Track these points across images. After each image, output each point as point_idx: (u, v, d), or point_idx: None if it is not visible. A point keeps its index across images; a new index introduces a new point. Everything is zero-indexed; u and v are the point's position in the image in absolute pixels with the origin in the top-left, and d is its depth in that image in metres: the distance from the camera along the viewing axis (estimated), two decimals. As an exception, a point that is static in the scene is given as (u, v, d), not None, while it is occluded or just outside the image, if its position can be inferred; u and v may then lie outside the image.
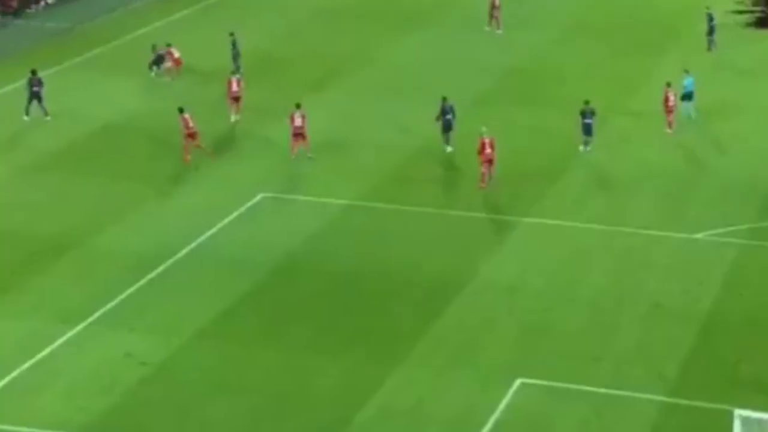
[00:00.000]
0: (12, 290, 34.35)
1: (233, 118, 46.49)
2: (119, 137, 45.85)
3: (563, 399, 29.04)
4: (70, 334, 31.95)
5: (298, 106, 42.92)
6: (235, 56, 51.81)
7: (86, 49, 55.77)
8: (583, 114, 43.06)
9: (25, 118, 46.85)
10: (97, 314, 32.85)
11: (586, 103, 43.13)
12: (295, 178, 41.64)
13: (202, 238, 37.25)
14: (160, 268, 35.34)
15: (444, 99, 43.26)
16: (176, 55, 52.13)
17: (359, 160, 42.93)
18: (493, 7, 58.27)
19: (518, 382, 29.55)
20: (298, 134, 42.57)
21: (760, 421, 23.79)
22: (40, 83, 46.98)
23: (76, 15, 60.73)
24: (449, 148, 42.98)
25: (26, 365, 30.51)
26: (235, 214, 38.98)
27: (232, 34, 52.18)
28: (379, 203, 39.74)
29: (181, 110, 42.90)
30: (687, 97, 45.68)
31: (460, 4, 62.50)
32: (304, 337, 31.84)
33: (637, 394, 29.12)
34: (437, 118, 43.17)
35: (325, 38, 57.56)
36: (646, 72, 51.68)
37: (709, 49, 54.50)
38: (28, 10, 61.68)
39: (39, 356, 30.93)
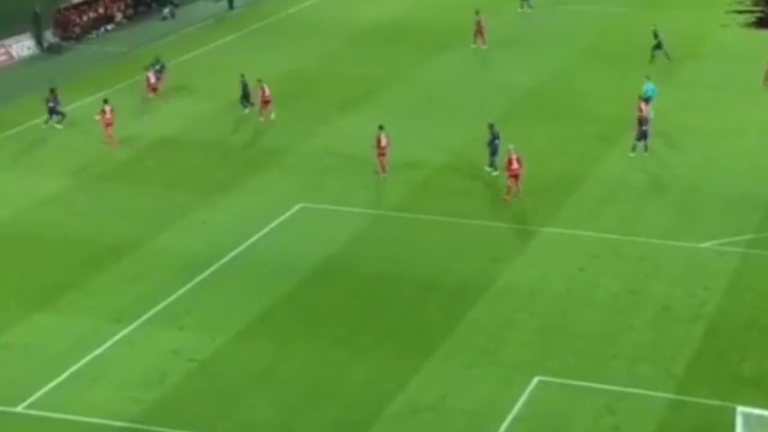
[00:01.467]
0: (72, 291, 34.50)
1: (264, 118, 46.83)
2: (172, 150, 45.98)
3: (578, 395, 28.83)
4: (124, 332, 32.03)
5: (381, 127, 42.23)
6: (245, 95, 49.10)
7: (141, 70, 56.02)
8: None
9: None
10: (148, 314, 32.93)
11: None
12: (331, 189, 41.60)
13: (246, 244, 37.26)
14: (207, 272, 35.39)
15: (491, 126, 42.53)
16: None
17: (391, 174, 42.82)
18: (478, 24, 58.13)
19: (536, 379, 29.35)
20: (383, 154, 41.95)
21: (760, 417, 23.53)
22: (56, 100, 47.43)
23: (132, 40, 61.05)
24: (495, 172, 41.98)
25: (84, 360, 30.64)
26: (276, 222, 38.97)
27: (242, 76, 49.44)
28: (409, 213, 39.63)
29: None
30: (648, 101, 45.39)
31: (509, 32, 62.21)
32: (337, 336, 31.78)
33: (647, 392, 28.88)
34: (488, 144, 42.29)
35: (358, 60, 57.49)
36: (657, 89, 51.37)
37: (651, 61, 53.56)
38: (89, 36, 62.06)
39: (95, 352, 31.05)
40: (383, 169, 41.84)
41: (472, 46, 58.37)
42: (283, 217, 39.35)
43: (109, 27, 63.44)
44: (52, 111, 47.60)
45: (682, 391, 28.84)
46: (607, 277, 34.85)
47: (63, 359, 30.59)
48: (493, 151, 42.20)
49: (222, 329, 32.01)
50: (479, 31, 58.48)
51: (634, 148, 43.53)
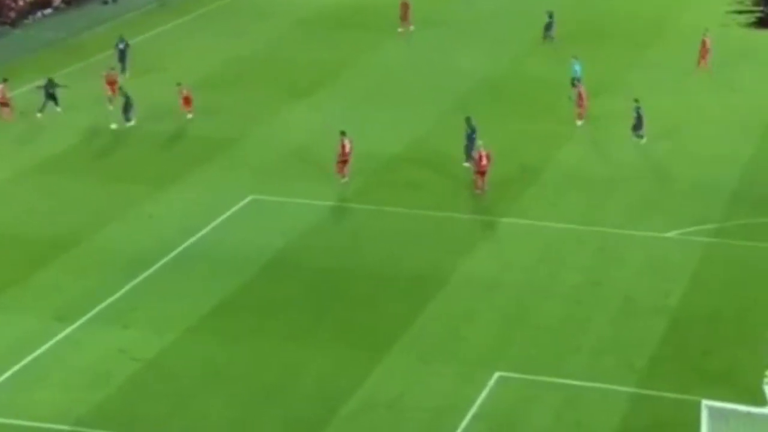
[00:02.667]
0: (12, 287, 34.34)
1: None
2: (114, 141, 45.80)
3: (539, 390, 29.13)
4: (67, 330, 31.94)
5: (343, 133, 41.45)
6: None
7: (81, 57, 55.67)
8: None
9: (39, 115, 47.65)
10: (93, 311, 32.85)
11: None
12: (282, 180, 41.67)
13: (194, 238, 37.27)
14: (154, 267, 35.36)
15: (468, 119, 42.28)
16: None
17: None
18: (404, 7, 58.36)
19: (497, 375, 29.61)
20: (345, 161, 41.04)
21: (726, 410, 23.95)
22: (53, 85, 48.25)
23: (71, 26, 60.62)
24: (468, 164, 41.86)
25: (25, 361, 30.49)
26: (226, 215, 39.01)
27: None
28: (364, 204, 39.82)
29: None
30: (576, 81, 46.75)
31: (437, 13, 62.48)
32: (290, 331, 31.90)
33: (609, 386, 29.24)
34: (467, 137, 41.99)
35: (307, 46, 57.55)
36: (619, 78, 51.93)
37: (543, 41, 55.84)
38: (25, 21, 61.54)
39: (37, 352, 30.92)
40: (344, 175, 41.19)
41: (399, 29, 58.29)
42: (233, 210, 39.38)
43: (47, 12, 62.92)
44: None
45: (644, 384, 29.24)
46: (567, 269, 35.23)
47: (3, 359, 30.46)
48: (470, 145, 41.84)
49: (170, 326, 32.03)
50: (404, 15, 58.38)
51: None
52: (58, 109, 48.14)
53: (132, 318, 32.58)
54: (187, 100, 47.24)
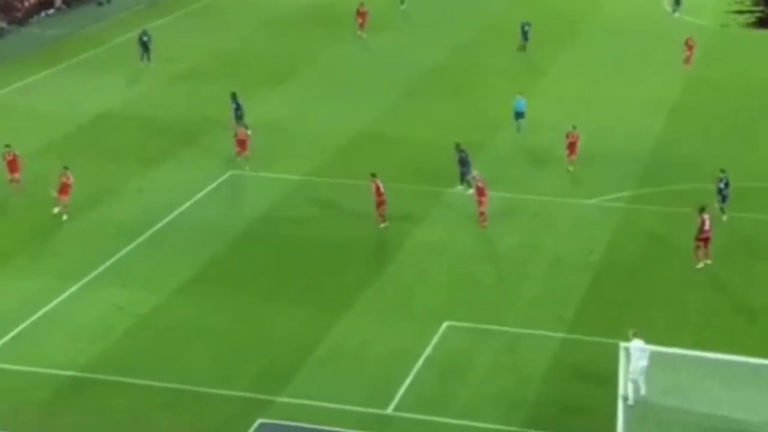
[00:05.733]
0: (21, 255, 34.03)
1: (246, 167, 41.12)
2: (111, 125, 45.37)
3: (482, 337, 29.36)
4: (71, 290, 31.75)
5: (374, 175, 35.89)
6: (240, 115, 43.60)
7: (82, 51, 55.09)
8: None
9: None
10: (93, 274, 32.64)
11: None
12: (258, 157, 41.44)
13: (180, 209, 37.05)
14: (145, 235, 35.15)
15: (457, 145, 38.42)
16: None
17: (311, 143, 42.85)
18: (359, 14, 57.10)
19: (445, 324, 29.78)
20: (382, 203, 35.33)
21: (639, 350, 24.23)
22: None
23: (71, 24, 59.87)
24: (469, 191, 37.26)
25: (34, 317, 30.35)
26: (208, 189, 38.79)
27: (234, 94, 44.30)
28: (328, 178, 39.71)
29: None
30: (519, 115, 42.93)
31: (389, 15, 62.23)
32: (264, 292, 31.82)
33: (541, 332, 29.50)
34: (459, 163, 38.06)
35: (277, 42, 57.10)
36: (551, 64, 52.04)
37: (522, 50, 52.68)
38: (31, 20, 60.70)
39: (45, 309, 30.78)
40: (383, 219, 35.65)
41: (358, 32, 57.28)
42: (214, 185, 39.16)
43: (50, 12, 62.10)
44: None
45: (572, 331, 29.51)
46: (506, 233, 35.36)
47: (15, 316, 30.24)
48: (465, 170, 38.02)
49: (160, 287, 31.89)
50: (362, 23, 56.85)
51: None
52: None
53: (128, 279, 32.39)
54: None
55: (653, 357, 24.53)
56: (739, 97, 47.76)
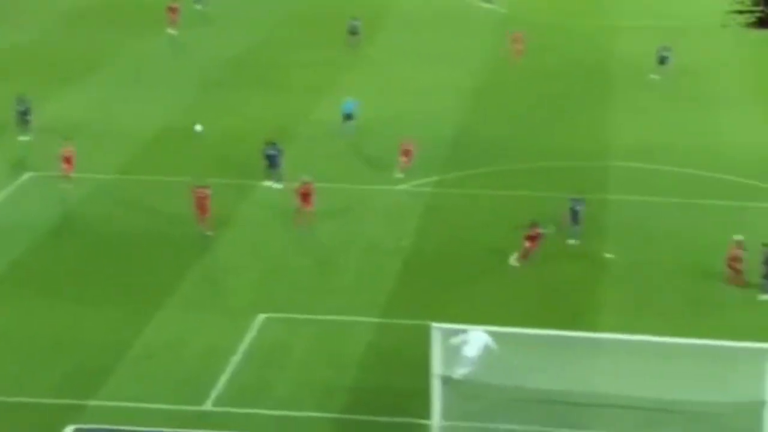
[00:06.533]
0: None
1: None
2: None
3: (299, 327, 29.58)
4: None
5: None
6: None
7: None
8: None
9: None
10: None
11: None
12: (56, 156, 40.34)
13: (-20, 213, 35.87)
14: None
15: (268, 141, 38.41)
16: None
17: (115, 140, 42.12)
18: (169, 9, 56.60)
19: (262, 317, 29.87)
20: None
21: (450, 330, 25.04)
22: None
23: None
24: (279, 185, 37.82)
25: None
26: (7, 191, 37.62)
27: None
28: (135, 175, 39.12)
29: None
30: (348, 117, 42.66)
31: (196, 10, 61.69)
32: (73, 293, 31.11)
33: (356, 318, 29.99)
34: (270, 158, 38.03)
35: (73, 38, 55.73)
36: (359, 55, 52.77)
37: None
38: None
39: None
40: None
41: (170, 31, 56.76)
42: (11, 187, 37.98)
43: None
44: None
45: (386, 315, 30.13)
46: (318, 223, 35.69)
47: None
48: (274, 165, 37.65)
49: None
50: (172, 14, 56.37)
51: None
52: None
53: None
54: None
55: (470, 337, 25.30)
56: (555, 83, 49.33)
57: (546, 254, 32.92)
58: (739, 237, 31.44)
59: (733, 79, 50.25)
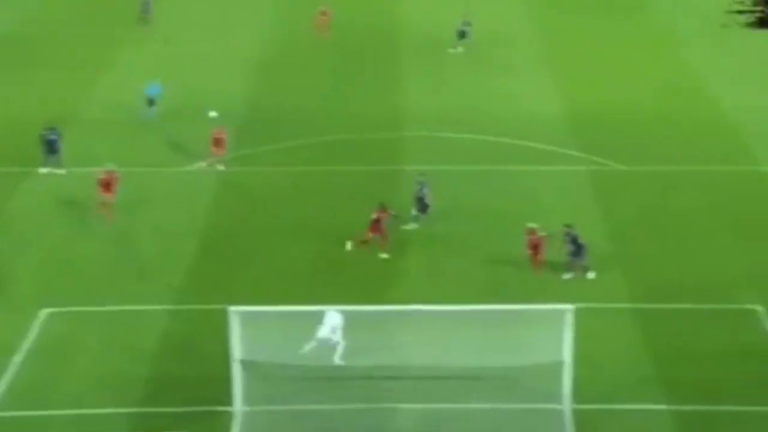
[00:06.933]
0: None
1: None
2: None
3: (88, 320, 28.00)
4: None
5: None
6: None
7: None
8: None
9: None
10: None
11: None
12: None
13: None
14: None
15: (46, 126, 36.49)
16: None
17: None
18: None
19: (46, 312, 28.10)
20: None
21: (249, 313, 24.16)
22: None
23: None
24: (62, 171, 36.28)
25: None
26: None
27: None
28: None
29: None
30: (150, 101, 40.73)
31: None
32: None
33: (149, 307, 28.61)
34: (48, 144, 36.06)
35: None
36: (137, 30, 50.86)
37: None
38: None
39: None
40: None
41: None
42: None
43: None
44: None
45: (181, 302, 28.86)
46: (103, 208, 33.82)
47: None
48: (52, 151, 36.16)
49: None
50: None
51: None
52: None
53: None
54: None
55: (262, 316, 24.36)
56: (356, 58, 48.57)
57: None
58: (531, 225, 30.82)
59: (528, 49, 50.84)
